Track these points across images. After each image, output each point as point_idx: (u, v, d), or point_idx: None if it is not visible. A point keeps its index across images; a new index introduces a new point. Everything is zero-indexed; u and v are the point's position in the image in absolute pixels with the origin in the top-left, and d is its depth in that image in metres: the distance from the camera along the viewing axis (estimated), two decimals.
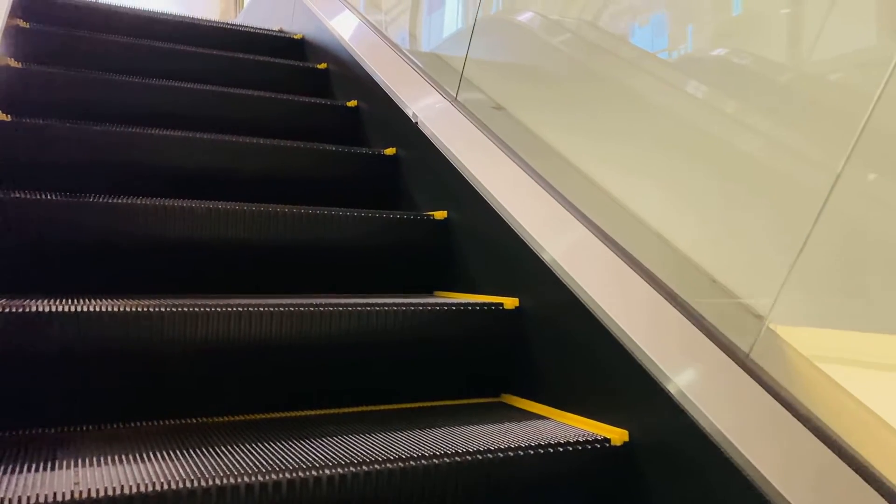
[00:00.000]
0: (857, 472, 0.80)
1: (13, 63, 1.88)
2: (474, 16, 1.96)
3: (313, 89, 2.57)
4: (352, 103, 2.32)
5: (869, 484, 0.79)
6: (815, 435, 0.85)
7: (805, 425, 0.86)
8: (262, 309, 1.15)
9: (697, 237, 1.22)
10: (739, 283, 1.09)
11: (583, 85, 1.60)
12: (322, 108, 2.31)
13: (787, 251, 0.99)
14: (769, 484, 0.82)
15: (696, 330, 1.02)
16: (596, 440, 1.03)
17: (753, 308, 1.06)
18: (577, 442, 1.02)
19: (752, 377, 0.93)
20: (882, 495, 0.78)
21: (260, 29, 3.23)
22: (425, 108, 1.85)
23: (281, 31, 3.25)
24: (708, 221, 1.22)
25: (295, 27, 3.16)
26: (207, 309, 1.12)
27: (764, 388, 0.91)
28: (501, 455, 0.97)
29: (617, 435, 1.04)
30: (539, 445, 1.00)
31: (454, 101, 1.81)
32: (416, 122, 1.81)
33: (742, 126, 1.21)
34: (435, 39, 2.50)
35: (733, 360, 0.96)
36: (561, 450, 1.01)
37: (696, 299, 1.07)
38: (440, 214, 1.65)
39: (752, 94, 1.19)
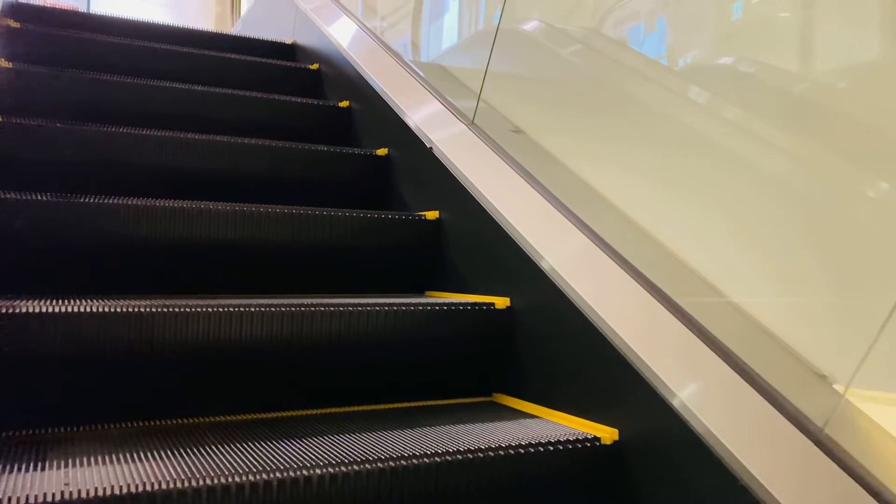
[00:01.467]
0: None
1: (3, 63, 1.88)
2: (493, 33, 1.84)
3: (305, 91, 2.56)
4: (343, 103, 2.33)
5: None
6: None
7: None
8: (253, 309, 1.15)
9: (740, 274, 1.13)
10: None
11: (614, 108, 1.46)
12: (316, 109, 2.31)
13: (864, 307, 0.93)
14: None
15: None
16: (586, 438, 1.04)
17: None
18: (567, 440, 1.03)
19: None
20: None
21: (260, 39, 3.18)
22: (442, 134, 1.75)
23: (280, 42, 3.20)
24: (760, 262, 1.12)
25: (296, 39, 3.12)
26: (198, 309, 1.12)
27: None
28: (492, 454, 0.97)
29: (607, 434, 1.05)
30: (530, 444, 1.00)
31: (471, 124, 1.70)
32: (432, 148, 1.70)
33: (801, 160, 1.08)
34: (457, 57, 2.32)
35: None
36: (551, 448, 1.01)
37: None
38: (432, 215, 1.65)
39: (814, 128, 1.06)
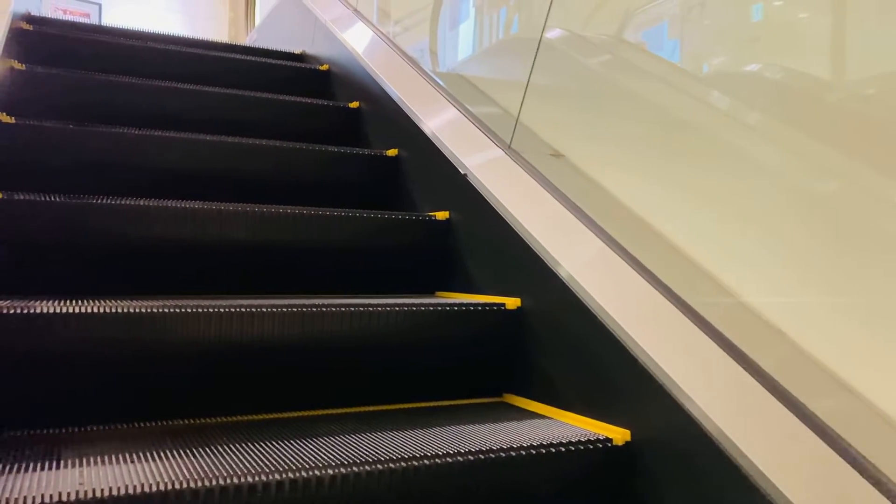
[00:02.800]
0: None
1: (17, 65, 1.89)
2: (523, 42, 1.71)
3: (315, 95, 2.55)
4: (353, 104, 2.33)
5: None
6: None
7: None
8: (264, 309, 1.16)
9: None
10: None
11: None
12: (326, 109, 2.32)
13: None
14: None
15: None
16: (598, 439, 1.04)
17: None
18: (579, 441, 1.03)
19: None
20: None
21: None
22: (479, 161, 1.62)
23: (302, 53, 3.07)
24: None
25: (316, 51, 2.97)
26: (209, 310, 1.12)
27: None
28: (503, 455, 0.97)
29: (619, 435, 1.04)
30: (541, 445, 1.00)
31: (508, 149, 1.58)
32: (466, 175, 1.58)
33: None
34: (485, 67, 2.09)
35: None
36: (563, 449, 1.01)
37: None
38: (442, 215, 1.65)
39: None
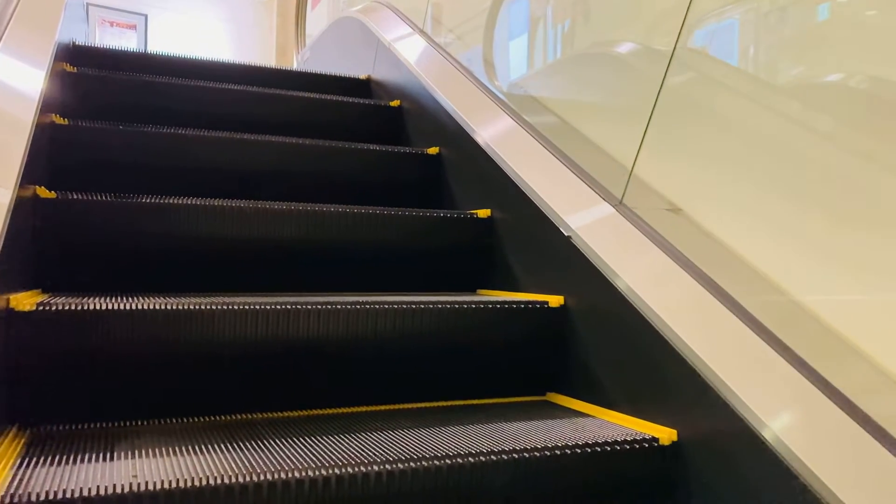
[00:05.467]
0: None
1: (69, 68, 1.94)
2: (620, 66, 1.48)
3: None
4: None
5: None
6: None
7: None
8: (309, 307, 1.17)
9: None
10: None
11: None
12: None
13: None
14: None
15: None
16: (644, 439, 1.02)
17: None
18: (625, 440, 1.01)
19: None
20: None
21: None
22: (585, 218, 1.36)
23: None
24: None
25: (376, 75, 2.68)
26: (256, 307, 1.14)
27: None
28: (548, 453, 0.97)
29: (665, 434, 1.03)
30: (586, 444, 0.99)
31: (619, 204, 1.35)
32: (570, 237, 1.33)
33: None
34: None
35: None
36: (608, 448, 1.00)
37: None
38: (483, 213, 1.65)
39: None
